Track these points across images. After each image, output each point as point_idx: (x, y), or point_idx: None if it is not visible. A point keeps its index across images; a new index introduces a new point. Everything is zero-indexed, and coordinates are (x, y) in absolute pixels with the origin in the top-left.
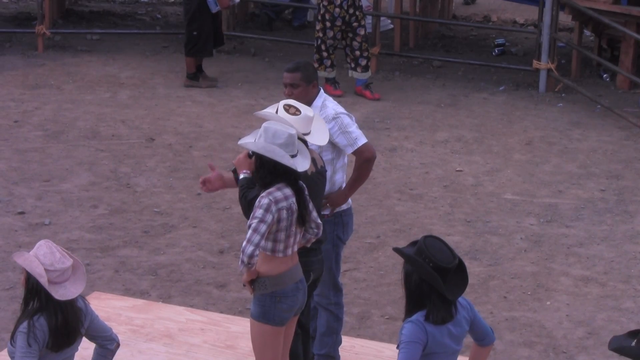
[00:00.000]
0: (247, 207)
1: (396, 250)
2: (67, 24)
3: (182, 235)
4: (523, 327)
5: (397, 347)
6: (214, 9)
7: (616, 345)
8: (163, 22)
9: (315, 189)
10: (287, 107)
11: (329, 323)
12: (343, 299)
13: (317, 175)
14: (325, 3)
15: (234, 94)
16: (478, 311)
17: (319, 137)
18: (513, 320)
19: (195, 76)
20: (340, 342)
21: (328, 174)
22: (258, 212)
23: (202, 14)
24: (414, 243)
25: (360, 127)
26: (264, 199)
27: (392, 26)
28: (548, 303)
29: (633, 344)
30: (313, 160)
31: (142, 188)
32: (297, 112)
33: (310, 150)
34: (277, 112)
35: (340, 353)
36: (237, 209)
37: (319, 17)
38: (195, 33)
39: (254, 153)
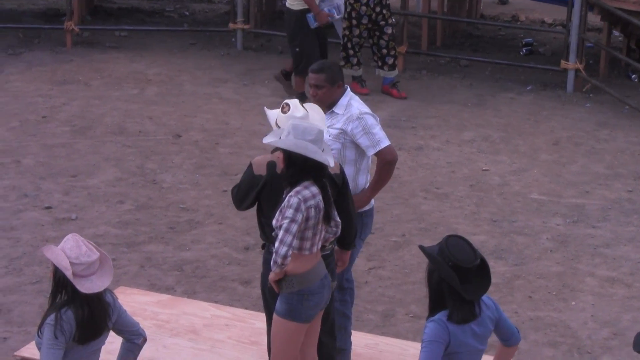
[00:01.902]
0: (241, 196)
1: (421, 248)
2: (95, 20)
3: (207, 232)
4: (548, 327)
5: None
6: (313, 24)
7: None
8: (190, 19)
9: (332, 189)
10: (283, 107)
11: (336, 319)
12: (348, 295)
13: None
14: (351, 1)
15: (260, 92)
16: (503, 311)
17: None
18: (538, 320)
19: (302, 96)
20: (350, 334)
21: (351, 174)
22: (288, 212)
23: (302, 30)
24: (439, 243)
25: (387, 125)
26: (293, 199)
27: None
28: (573, 303)
29: None
30: None
31: (168, 184)
32: (287, 110)
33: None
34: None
35: (363, 351)
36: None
37: (346, 15)
38: (297, 50)
39: (283, 151)
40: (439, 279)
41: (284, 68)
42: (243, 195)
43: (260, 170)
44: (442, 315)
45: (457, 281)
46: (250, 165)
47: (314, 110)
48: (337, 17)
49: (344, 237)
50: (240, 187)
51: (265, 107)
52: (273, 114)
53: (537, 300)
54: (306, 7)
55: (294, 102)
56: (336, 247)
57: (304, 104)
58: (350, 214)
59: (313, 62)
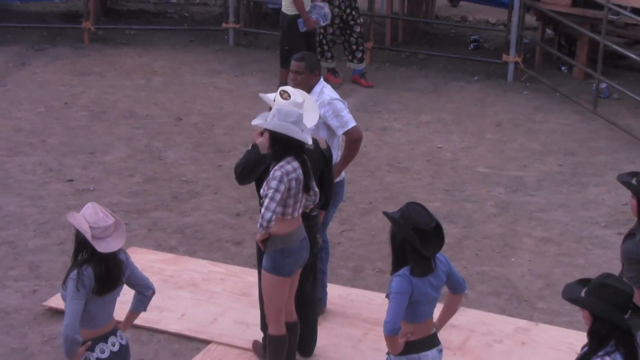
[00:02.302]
0: (245, 172)
1: (385, 214)
2: (109, 20)
3: (205, 201)
4: (491, 280)
5: (387, 297)
6: (302, 28)
7: (568, 296)
8: (190, 19)
9: (314, 163)
10: (282, 92)
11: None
12: (324, 254)
13: (316, 152)
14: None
15: (249, 82)
16: (453, 266)
17: (308, 119)
18: (483, 274)
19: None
20: (325, 286)
21: None
22: (273, 183)
23: (292, 32)
24: (401, 209)
25: (356, 110)
26: (277, 172)
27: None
28: (513, 259)
29: (582, 294)
30: (314, 140)
31: (172, 160)
32: (288, 97)
33: (312, 133)
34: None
35: (337, 300)
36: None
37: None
38: (286, 48)
39: (269, 131)
40: (401, 239)
41: (280, 81)
42: (249, 172)
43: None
44: (405, 270)
45: (417, 241)
46: (256, 146)
47: (308, 98)
48: (323, 24)
49: (325, 200)
50: (245, 166)
51: (260, 93)
52: (270, 98)
53: (482, 257)
54: (298, 13)
55: (290, 89)
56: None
57: (316, 90)
58: (331, 181)
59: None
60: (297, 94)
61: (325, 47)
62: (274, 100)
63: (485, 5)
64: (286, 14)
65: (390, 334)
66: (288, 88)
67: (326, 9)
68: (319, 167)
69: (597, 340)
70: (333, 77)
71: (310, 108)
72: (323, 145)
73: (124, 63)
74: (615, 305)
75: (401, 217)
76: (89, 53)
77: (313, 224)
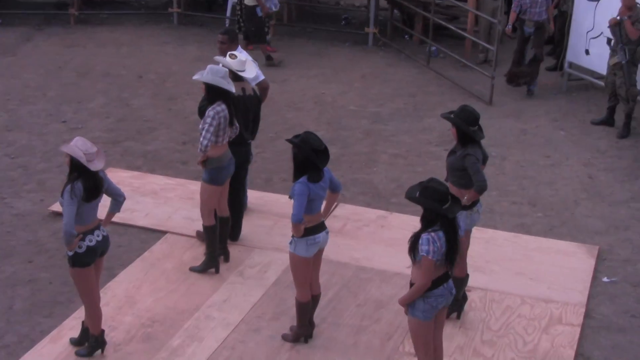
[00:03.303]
0: (199, 112)
1: (288, 140)
2: (88, 7)
3: (160, 134)
4: (360, 184)
5: (290, 197)
6: (260, 14)
7: (408, 196)
8: (145, 6)
9: (251, 104)
10: (231, 55)
11: None
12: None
13: (249, 98)
14: None
15: (189, 49)
16: (333, 174)
17: (249, 73)
18: (355, 180)
19: (269, 57)
20: (246, 192)
21: None
22: (208, 120)
23: (254, 17)
24: (297, 136)
25: (264, 67)
26: (211, 111)
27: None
28: (375, 169)
29: (417, 194)
30: (243, 89)
31: (136, 106)
32: (235, 57)
33: (246, 84)
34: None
35: (254, 201)
36: (194, 117)
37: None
38: (253, 29)
39: (205, 83)
40: (302, 157)
41: (267, 55)
42: (204, 111)
43: None
44: (304, 179)
45: (315, 158)
46: (204, 95)
47: (248, 58)
48: (275, 10)
49: (254, 130)
50: (202, 108)
51: (216, 57)
52: (223, 59)
53: (354, 168)
54: (257, 4)
55: (237, 53)
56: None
57: (238, 53)
58: (259, 118)
59: (264, 37)
60: (241, 56)
61: (242, 25)
62: (226, 59)
63: None
64: (248, 5)
65: (297, 221)
66: (236, 52)
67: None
68: (255, 108)
69: (425, 223)
70: (270, 47)
71: (250, 64)
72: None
73: (100, 38)
74: (435, 199)
75: (302, 142)
76: (75, 31)
77: (247, 149)
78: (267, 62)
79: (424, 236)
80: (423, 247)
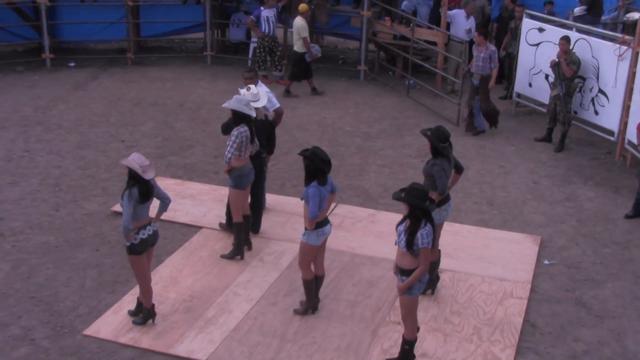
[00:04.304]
0: (224, 130)
1: (300, 153)
2: (141, 52)
3: (196, 150)
4: (354, 188)
5: (301, 199)
6: (308, 59)
7: (395, 197)
8: (186, 50)
9: (264, 128)
10: (248, 88)
11: None
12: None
13: (260, 121)
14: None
15: (220, 84)
16: (333, 180)
17: (260, 103)
18: (350, 185)
19: (315, 90)
20: (264, 195)
21: None
22: (232, 138)
23: (301, 61)
24: (306, 150)
25: (278, 97)
26: (235, 131)
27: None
28: (366, 177)
29: (403, 195)
30: (259, 114)
31: (178, 128)
32: (249, 89)
33: (258, 110)
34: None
35: (271, 202)
36: (223, 137)
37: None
38: (295, 70)
39: (231, 109)
40: (313, 167)
41: (310, 88)
42: (226, 129)
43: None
44: (314, 183)
45: (324, 167)
46: (230, 118)
47: (262, 91)
48: (319, 55)
49: (270, 149)
50: (225, 127)
51: (238, 88)
52: (242, 91)
53: (350, 176)
54: (305, 51)
55: (253, 87)
56: (267, 155)
57: (258, 87)
58: (274, 138)
59: (300, 78)
60: (254, 89)
61: (261, 64)
62: (246, 91)
63: (346, 39)
64: (297, 51)
65: (314, 217)
66: (251, 85)
67: (318, 47)
68: (268, 130)
69: (415, 219)
70: (283, 81)
71: (262, 95)
72: (271, 118)
73: (150, 75)
74: (419, 198)
75: (312, 154)
76: (131, 71)
77: (262, 161)
78: (312, 93)
79: (422, 231)
80: (424, 240)
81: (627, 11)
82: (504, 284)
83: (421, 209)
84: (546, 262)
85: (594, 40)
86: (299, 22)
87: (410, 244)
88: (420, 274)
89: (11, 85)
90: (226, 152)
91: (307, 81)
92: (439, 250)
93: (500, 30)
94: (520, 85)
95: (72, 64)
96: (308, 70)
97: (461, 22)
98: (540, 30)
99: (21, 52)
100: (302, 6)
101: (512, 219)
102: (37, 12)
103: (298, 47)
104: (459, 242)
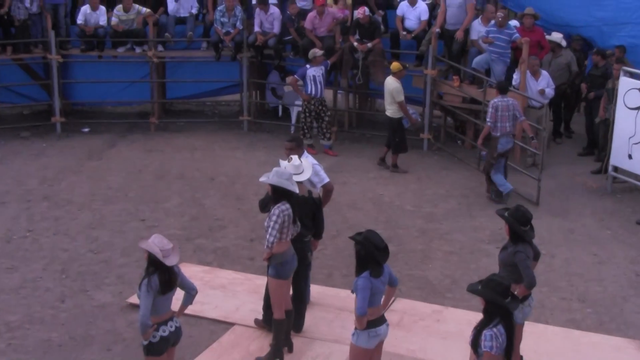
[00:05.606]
0: (262, 207)
1: (351, 237)
2: (166, 116)
3: (230, 231)
4: (416, 279)
5: (352, 292)
6: (407, 125)
7: (470, 289)
8: (218, 114)
9: (307, 206)
10: (289, 159)
11: None
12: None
13: (303, 198)
14: (306, 103)
15: (257, 154)
16: (392, 270)
17: (303, 176)
18: (411, 276)
19: (395, 166)
20: (309, 286)
21: None
22: (274, 217)
23: (400, 128)
24: (359, 233)
25: (328, 170)
26: (276, 210)
27: (419, 119)
28: (430, 266)
29: (479, 287)
30: (301, 189)
31: (208, 205)
32: (292, 161)
33: (301, 185)
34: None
35: (316, 295)
36: (261, 217)
37: (307, 112)
38: (397, 140)
39: (270, 184)
40: (365, 254)
41: (379, 157)
42: (264, 206)
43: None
44: (366, 274)
45: (376, 254)
46: (267, 193)
47: (306, 162)
48: (420, 120)
49: (317, 232)
50: (262, 203)
51: (280, 159)
52: (282, 162)
53: (410, 265)
54: (402, 116)
55: (295, 157)
56: (312, 239)
57: (301, 158)
58: (322, 219)
59: (405, 147)
60: (296, 160)
61: (306, 131)
62: (287, 163)
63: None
64: (392, 117)
65: (361, 314)
66: (294, 156)
67: (416, 112)
68: (312, 209)
69: (488, 316)
70: (311, 150)
71: (306, 167)
72: (316, 195)
73: (176, 143)
74: (499, 293)
75: (365, 239)
76: (154, 137)
77: (305, 245)
78: (392, 170)
79: (487, 332)
80: (486, 342)
81: None
82: None
83: (500, 306)
84: None
85: None
86: (392, 83)
87: (475, 343)
88: None
89: (15, 153)
90: (267, 235)
91: (384, 150)
92: (521, 357)
93: (589, 91)
94: (617, 157)
95: (86, 130)
96: (403, 137)
97: (530, 83)
98: None
99: (27, 116)
100: (395, 65)
101: (609, 319)
102: (47, 70)
103: (392, 112)
104: (543, 347)
